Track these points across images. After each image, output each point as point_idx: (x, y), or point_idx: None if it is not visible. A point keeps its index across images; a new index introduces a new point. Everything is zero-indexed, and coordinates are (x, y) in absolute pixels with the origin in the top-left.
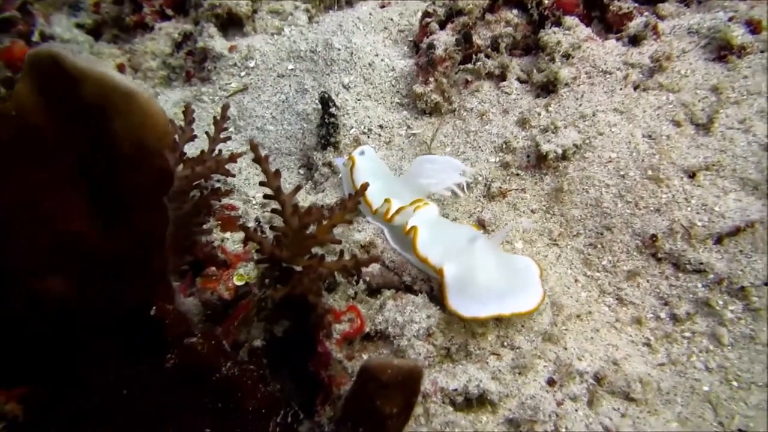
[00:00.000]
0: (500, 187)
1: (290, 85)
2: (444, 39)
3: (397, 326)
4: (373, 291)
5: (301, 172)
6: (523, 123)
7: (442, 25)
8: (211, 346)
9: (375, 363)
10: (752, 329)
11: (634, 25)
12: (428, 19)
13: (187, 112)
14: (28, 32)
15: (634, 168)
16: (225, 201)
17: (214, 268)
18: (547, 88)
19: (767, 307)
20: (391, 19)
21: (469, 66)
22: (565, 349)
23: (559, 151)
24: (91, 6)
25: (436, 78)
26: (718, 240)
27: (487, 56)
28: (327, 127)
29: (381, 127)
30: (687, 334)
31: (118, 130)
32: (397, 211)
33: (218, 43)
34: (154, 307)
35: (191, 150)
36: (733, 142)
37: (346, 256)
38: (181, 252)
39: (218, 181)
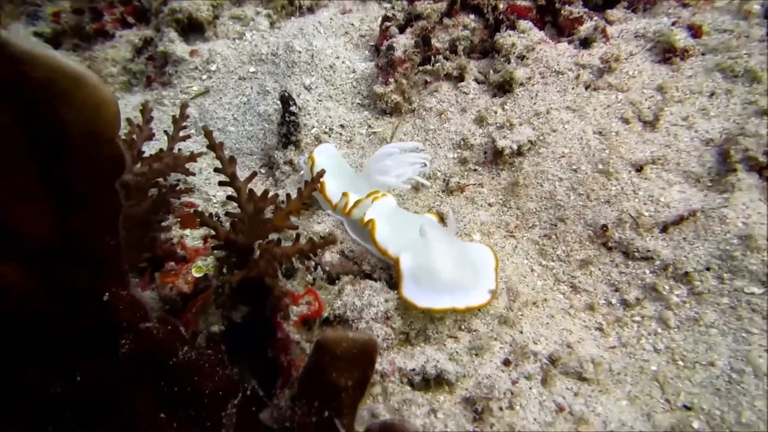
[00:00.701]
0: (458, 182)
1: (252, 88)
2: (403, 42)
3: (355, 310)
4: (333, 280)
5: (263, 171)
6: (480, 121)
7: (402, 29)
8: (167, 330)
9: (329, 337)
10: (696, 312)
11: (585, 28)
12: (388, 23)
13: (145, 110)
14: None
15: (585, 162)
16: (185, 199)
17: (173, 263)
18: (503, 88)
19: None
20: (352, 24)
21: (428, 67)
22: (521, 332)
23: (515, 147)
24: (50, 16)
25: (396, 79)
26: (664, 229)
27: (446, 58)
28: (288, 125)
29: (342, 126)
30: (636, 318)
31: (66, 115)
32: (355, 204)
33: (179, 48)
34: (106, 293)
35: (152, 151)
36: (677, 138)
37: (303, 241)
38: (139, 249)
39: (179, 180)
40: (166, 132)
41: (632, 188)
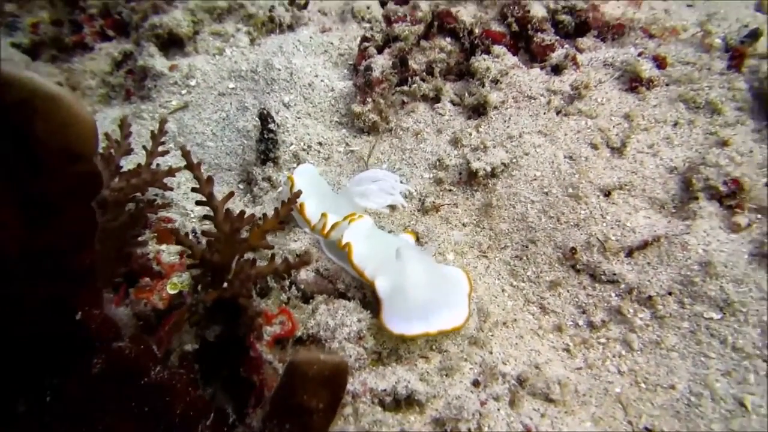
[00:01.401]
0: (434, 202)
1: (231, 103)
2: (381, 62)
3: (328, 330)
4: (308, 299)
5: (241, 186)
6: (455, 142)
7: (380, 50)
8: (140, 350)
9: (301, 358)
10: (658, 335)
11: (556, 56)
12: (366, 44)
13: (124, 125)
14: None
15: (556, 186)
16: (162, 213)
17: (148, 279)
18: (478, 111)
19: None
20: (332, 43)
21: (405, 88)
22: (491, 353)
23: (489, 168)
24: (28, 26)
25: (374, 98)
26: (629, 253)
27: (422, 80)
28: (266, 142)
29: (320, 144)
30: (602, 340)
31: (40, 134)
32: (333, 227)
33: (158, 62)
34: (80, 312)
35: (130, 165)
36: (643, 165)
37: (278, 261)
38: (115, 263)
39: (156, 195)
40: (144, 147)
41: (600, 212)
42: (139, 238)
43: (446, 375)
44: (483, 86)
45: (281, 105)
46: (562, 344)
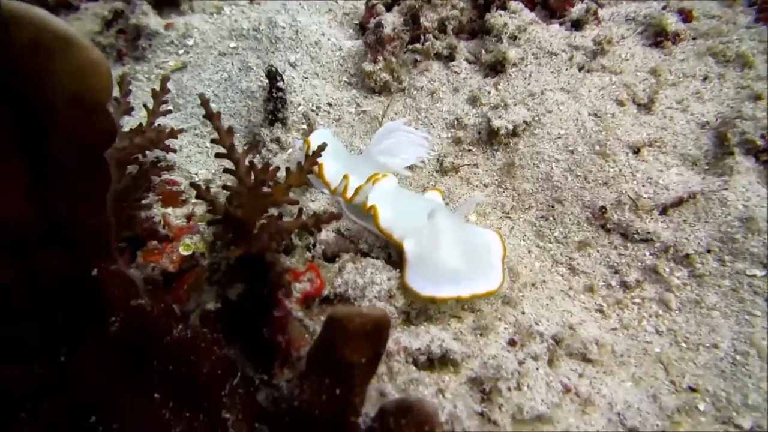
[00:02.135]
0: (453, 162)
1: (233, 63)
2: (391, 19)
3: (357, 288)
4: (330, 259)
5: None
6: (473, 101)
7: (389, 8)
8: (160, 308)
9: (342, 312)
10: (698, 294)
11: (576, 10)
12: (374, 1)
13: (123, 82)
14: None
15: (582, 144)
16: (166, 176)
17: (155, 242)
18: (496, 68)
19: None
20: (336, 2)
21: (418, 46)
22: (523, 313)
23: (510, 127)
24: None
25: (385, 57)
26: (663, 211)
27: (435, 38)
28: (274, 102)
29: (330, 104)
30: (637, 300)
31: (53, 82)
32: (356, 192)
33: (153, 21)
34: (95, 269)
35: (128, 127)
36: (673, 121)
37: (304, 216)
38: (118, 227)
39: (157, 157)
40: (145, 105)
41: (630, 170)
42: (143, 201)
43: (480, 335)
44: (501, 42)
45: (287, 64)
46: (595, 305)
